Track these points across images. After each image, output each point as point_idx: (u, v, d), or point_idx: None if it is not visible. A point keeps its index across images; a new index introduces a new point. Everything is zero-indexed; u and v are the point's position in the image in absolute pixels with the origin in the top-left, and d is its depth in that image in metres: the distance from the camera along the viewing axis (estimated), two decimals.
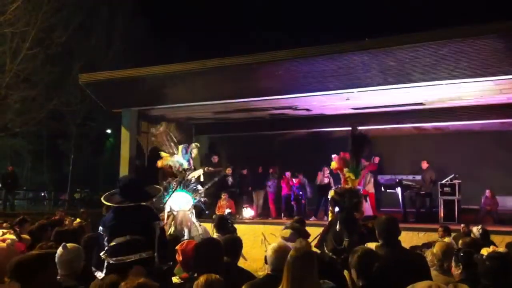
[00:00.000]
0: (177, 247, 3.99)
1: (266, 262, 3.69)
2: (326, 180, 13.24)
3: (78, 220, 8.46)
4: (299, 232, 5.19)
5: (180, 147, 9.10)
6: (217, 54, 11.48)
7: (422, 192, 12.56)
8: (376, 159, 13.14)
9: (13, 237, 4.91)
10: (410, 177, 12.81)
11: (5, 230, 5.22)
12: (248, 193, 14.27)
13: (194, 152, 9.47)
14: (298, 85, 10.61)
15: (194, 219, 8.50)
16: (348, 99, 11.11)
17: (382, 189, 13.02)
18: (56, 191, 27.61)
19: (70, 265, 3.66)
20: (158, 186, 4.86)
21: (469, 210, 12.40)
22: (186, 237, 7.47)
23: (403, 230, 4.62)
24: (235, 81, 11.18)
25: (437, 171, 12.75)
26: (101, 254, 3.81)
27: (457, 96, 10.69)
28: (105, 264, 3.76)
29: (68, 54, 21.98)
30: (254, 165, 14.72)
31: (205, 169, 12.92)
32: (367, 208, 10.28)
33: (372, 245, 4.20)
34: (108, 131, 29.18)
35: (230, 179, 13.92)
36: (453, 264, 4.01)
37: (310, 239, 5.89)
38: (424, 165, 12.80)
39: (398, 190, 12.75)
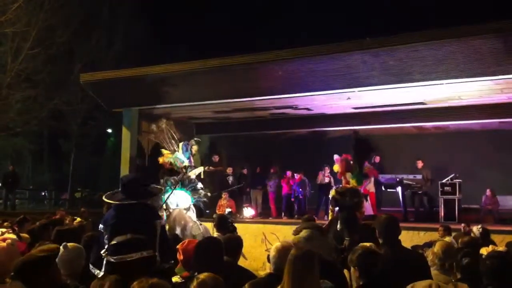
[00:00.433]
0: (178, 246, 3.99)
1: (269, 261, 3.69)
2: (326, 180, 13.24)
3: (78, 219, 8.48)
4: (319, 229, 5.02)
5: (181, 144, 9.12)
6: (217, 54, 11.50)
7: (421, 192, 12.58)
8: (377, 159, 13.15)
9: (14, 236, 4.92)
10: (411, 176, 12.79)
11: (4, 230, 5.23)
12: (248, 193, 14.27)
13: (194, 148, 9.48)
14: (299, 84, 10.62)
15: (195, 218, 8.51)
16: (349, 98, 11.12)
17: (383, 188, 13.01)
18: (57, 190, 27.62)
19: (71, 265, 3.67)
20: (159, 186, 4.87)
21: (470, 210, 12.40)
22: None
23: (404, 230, 4.63)
24: (236, 81, 11.19)
25: (437, 170, 12.75)
26: (101, 252, 3.80)
27: (457, 95, 10.70)
28: (105, 262, 3.76)
29: (69, 54, 21.98)
30: (254, 164, 14.73)
31: (206, 168, 12.95)
32: (368, 207, 10.29)
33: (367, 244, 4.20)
34: (109, 130, 29.18)
35: (231, 179, 13.93)
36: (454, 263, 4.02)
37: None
38: (420, 164, 12.83)
39: (399, 189, 12.75)
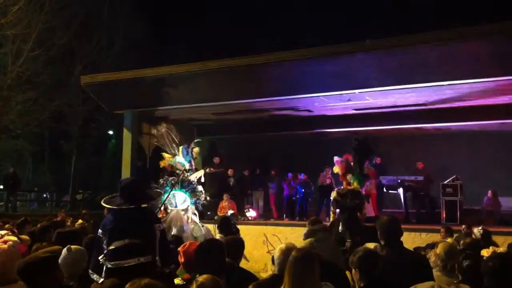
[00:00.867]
0: (179, 249, 3.98)
1: (273, 262, 3.68)
2: (328, 181, 13.22)
3: (80, 221, 8.48)
4: (327, 231, 4.97)
5: (181, 148, 9.12)
6: (217, 55, 11.50)
7: (422, 193, 12.56)
8: (378, 160, 13.15)
9: (15, 238, 4.91)
10: (412, 177, 12.78)
11: (3, 232, 5.22)
12: (248, 194, 14.27)
13: (196, 150, 9.49)
14: (299, 86, 10.62)
15: (197, 220, 8.52)
16: (350, 99, 11.12)
17: (384, 189, 13.00)
18: (58, 192, 27.61)
19: (73, 267, 3.67)
20: (158, 190, 4.84)
21: (471, 211, 12.38)
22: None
23: (405, 231, 4.61)
24: (236, 82, 11.20)
25: (438, 171, 12.74)
26: (99, 258, 3.78)
27: (459, 96, 10.69)
28: (104, 268, 3.74)
29: (70, 56, 21.99)
30: (255, 166, 14.73)
31: (207, 169, 12.95)
32: (369, 209, 10.29)
33: (371, 245, 4.20)
34: (110, 132, 29.20)
35: (232, 180, 13.93)
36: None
37: None
38: (420, 166, 12.82)
39: (400, 190, 12.73)
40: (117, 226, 3.85)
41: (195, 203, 8.72)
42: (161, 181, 8.55)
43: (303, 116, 13.49)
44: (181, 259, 3.89)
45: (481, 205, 12.62)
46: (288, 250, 3.45)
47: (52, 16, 18.28)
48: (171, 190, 8.14)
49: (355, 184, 9.25)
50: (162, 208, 7.83)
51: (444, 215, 11.74)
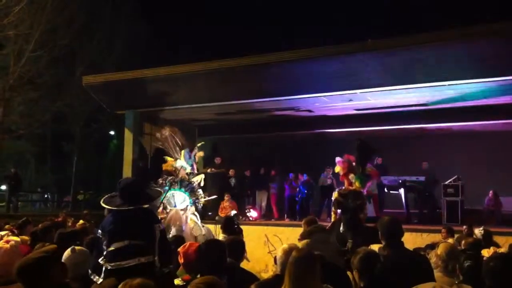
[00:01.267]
0: (179, 249, 3.98)
1: (275, 262, 3.68)
2: (329, 181, 13.21)
3: (81, 221, 8.49)
4: (324, 231, 4.89)
5: (183, 151, 9.12)
6: (220, 55, 11.50)
7: (425, 193, 12.54)
8: (379, 160, 13.12)
9: (17, 239, 4.92)
10: (414, 178, 12.75)
11: (3, 233, 5.23)
12: (250, 195, 14.26)
13: (199, 154, 9.51)
14: (301, 86, 10.62)
15: (197, 219, 8.53)
16: (351, 100, 11.11)
17: (385, 190, 12.98)
18: (60, 192, 27.66)
19: (77, 268, 3.67)
20: (158, 189, 4.83)
21: (473, 211, 12.36)
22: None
23: (406, 231, 4.62)
24: (238, 83, 11.20)
25: (440, 172, 12.71)
26: (99, 260, 3.77)
27: (460, 96, 10.68)
28: (103, 269, 3.73)
29: (72, 56, 22.01)
30: (256, 166, 14.72)
31: (208, 170, 12.96)
32: (370, 209, 10.28)
33: (375, 247, 4.19)
34: (112, 132, 29.24)
35: (233, 181, 13.92)
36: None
37: None
38: (424, 165, 12.80)
39: (401, 191, 12.72)
40: (117, 227, 3.82)
41: (194, 203, 8.72)
42: (160, 180, 8.57)
43: (303, 116, 13.48)
44: (181, 260, 3.89)
45: (482, 206, 12.59)
46: (291, 251, 3.46)
47: (53, 16, 18.30)
48: (169, 190, 8.15)
49: (357, 184, 9.22)
50: (161, 208, 7.84)
51: (445, 216, 11.73)
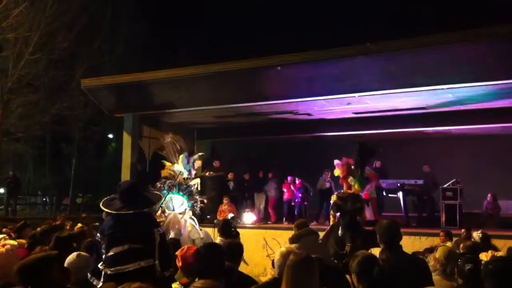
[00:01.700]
0: (177, 253, 3.96)
1: (273, 266, 3.67)
2: (327, 185, 13.20)
3: (79, 225, 8.47)
4: (314, 234, 4.82)
5: (181, 156, 9.11)
6: (220, 58, 11.48)
7: (424, 197, 12.54)
8: (378, 163, 13.10)
9: (14, 242, 4.90)
10: (412, 181, 12.75)
11: (0, 236, 5.22)
12: (248, 198, 14.24)
13: (198, 163, 9.51)
14: (300, 89, 10.62)
15: (195, 222, 8.51)
16: (349, 103, 11.11)
17: (384, 193, 12.97)
18: (58, 195, 27.63)
19: (79, 273, 3.67)
20: (158, 193, 4.80)
21: (471, 215, 12.35)
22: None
23: (405, 235, 4.61)
24: (237, 86, 11.19)
25: (439, 175, 12.72)
26: (99, 265, 3.74)
27: (459, 100, 10.68)
28: (103, 273, 3.71)
29: (71, 59, 21.99)
30: (255, 169, 14.71)
31: (207, 173, 12.93)
32: (369, 212, 10.26)
33: (376, 251, 4.18)
34: (110, 135, 29.22)
35: (232, 184, 13.91)
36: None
37: None
38: (426, 169, 12.79)
39: (400, 194, 12.71)
40: (117, 231, 3.81)
41: (192, 206, 8.71)
42: (159, 184, 8.55)
43: (302, 120, 13.48)
44: (179, 263, 3.87)
45: (481, 209, 12.59)
46: (289, 254, 3.45)
47: (53, 19, 18.29)
48: (168, 193, 8.14)
49: (355, 187, 9.20)
50: (159, 211, 7.82)
51: (444, 219, 11.73)
